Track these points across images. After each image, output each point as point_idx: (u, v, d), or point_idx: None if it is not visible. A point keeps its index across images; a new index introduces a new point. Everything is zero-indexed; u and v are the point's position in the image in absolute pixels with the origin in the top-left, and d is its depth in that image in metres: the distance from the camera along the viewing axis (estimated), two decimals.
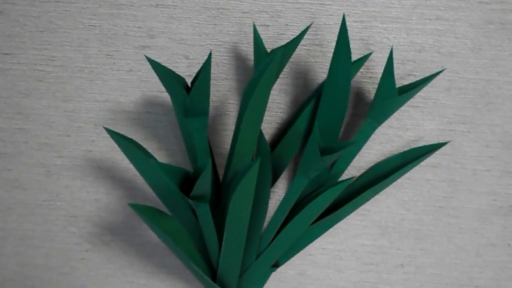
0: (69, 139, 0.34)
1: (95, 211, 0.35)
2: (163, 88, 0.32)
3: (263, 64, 0.27)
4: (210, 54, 0.26)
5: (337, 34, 0.30)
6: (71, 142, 0.34)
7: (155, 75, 0.32)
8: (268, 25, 0.31)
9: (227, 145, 0.34)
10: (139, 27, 0.31)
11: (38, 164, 0.34)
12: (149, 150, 0.34)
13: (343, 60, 0.28)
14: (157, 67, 0.26)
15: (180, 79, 0.28)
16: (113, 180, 0.35)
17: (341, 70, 0.28)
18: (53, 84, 0.33)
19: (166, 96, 0.33)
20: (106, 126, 0.33)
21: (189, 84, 0.32)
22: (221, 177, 0.34)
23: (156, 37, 0.31)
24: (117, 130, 0.33)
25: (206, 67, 0.26)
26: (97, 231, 0.34)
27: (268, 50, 0.31)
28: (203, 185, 0.25)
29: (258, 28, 0.31)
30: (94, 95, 0.33)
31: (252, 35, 0.31)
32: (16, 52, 0.32)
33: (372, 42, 0.31)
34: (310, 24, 0.28)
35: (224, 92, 0.32)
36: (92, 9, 0.31)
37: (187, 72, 0.32)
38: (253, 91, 0.27)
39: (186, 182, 0.26)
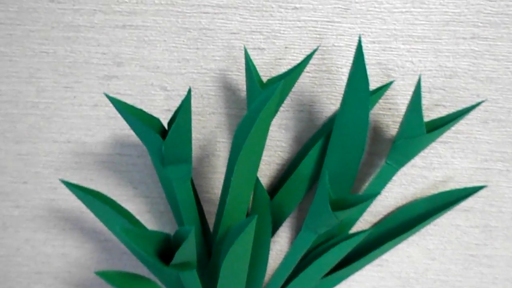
0: (26, 186, 0.30)
1: (63, 266, 0.31)
2: None
3: (259, 101, 0.22)
4: (189, 91, 0.21)
5: (348, 58, 0.26)
6: (29, 190, 0.30)
7: None
8: (263, 48, 0.26)
9: (217, 190, 0.29)
10: (103, 53, 0.26)
11: None
12: (124, 198, 0.30)
13: (360, 90, 0.23)
14: (120, 106, 0.22)
15: (153, 121, 0.23)
16: (82, 232, 0.31)
17: (357, 102, 0.24)
18: (1, 123, 0.28)
19: None
20: (70, 171, 0.28)
21: (166, 125, 0.28)
22: (211, 225, 0.30)
23: (124, 65, 0.26)
24: (83, 176, 0.29)
25: (185, 106, 0.22)
26: None
27: (264, 79, 0.27)
28: (186, 254, 0.21)
29: (251, 52, 0.26)
30: (52, 135, 0.28)
31: (243, 60, 0.26)
32: None
33: (392, 66, 0.26)
34: (317, 48, 0.24)
35: (211, 129, 0.28)
36: (42, 32, 0.26)
37: (165, 106, 0.27)
38: (247, 134, 0.23)
39: (167, 245, 0.22)
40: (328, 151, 0.26)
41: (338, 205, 0.23)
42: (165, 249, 0.23)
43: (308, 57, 0.24)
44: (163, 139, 0.23)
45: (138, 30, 0.25)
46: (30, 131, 0.28)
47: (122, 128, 0.28)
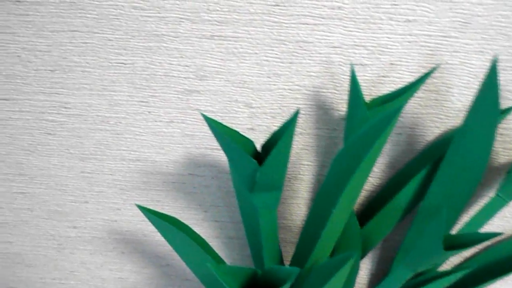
0: (87, 206, 0.28)
1: None
2: (214, 144, 0.26)
3: (371, 126, 0.20)
4: (296, 113, 0.19)
5: (461, 77, 0.23)
6: (90, 210, 0.28)
7: (203, 127, 0.25)
8: (365, 64, 0.23)
9: (295, 216, 0.27)
10: (186, 66, 0.24)
11: (46, 236, 0.29)
12: (192, 222, 0.28)
13: (487, 116, 0.21)
14: (215, 126, 0.20)
15: (248, 144, 0.22)
16: (142, 256, 0.29)
17: (481, 130, 0.21)
18: (67, 138, 0.26)
19: (216, 155, 0.26)
20: (136, 191, 0.27)
21: (258, 148, 0.25)
22: (284, 254, 0.28)
23: (207, 79, 0.24)
24: (149, 197, 0.27)
25: (289, 130, 0.20)
26: None
27: (366, 99, 0.24)
28: None
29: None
30: (121, 152, 0.26)
31: (341, 77, 0.24)
32: (17, 98, 0.26)
33: (510, 88, 0.24)
34: (437, 66, 0.21)
35: (297, 150, 0.26)
36: (121, 42, 0.24)
37: (249, 124, 0.25)
38: (357, 162, 0.20)
39: (252, 280, 0.20)
40: (435, 180, 0.23)
41: (449, 243, 0.21)
42: (248, 284, 0.21)
43: (425, 76, 0.22)
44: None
45: (227, 41, 0.23)
46: (97, 147, 0.26)
47: (198, 147, 0.26)
